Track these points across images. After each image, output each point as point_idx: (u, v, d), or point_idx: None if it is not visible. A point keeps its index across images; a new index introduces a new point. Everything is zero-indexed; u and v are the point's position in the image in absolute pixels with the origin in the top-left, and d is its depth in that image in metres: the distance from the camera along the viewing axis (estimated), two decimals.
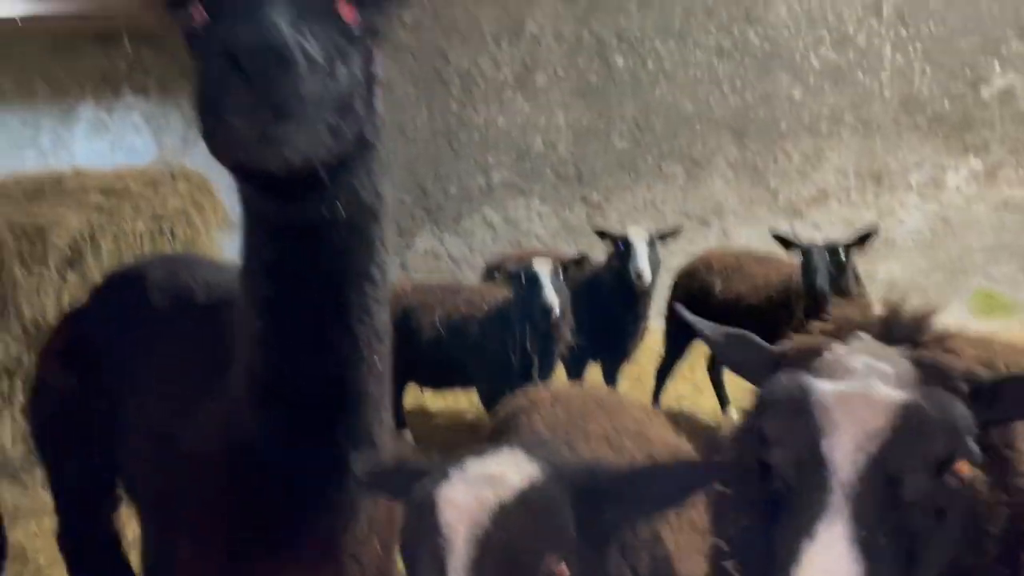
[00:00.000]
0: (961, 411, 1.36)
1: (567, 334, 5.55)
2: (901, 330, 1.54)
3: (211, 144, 1.56)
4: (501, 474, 1.51)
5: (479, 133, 9.90)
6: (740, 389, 6.81)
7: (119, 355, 2.59)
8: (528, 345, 5.39)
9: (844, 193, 9.09)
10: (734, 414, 6.17)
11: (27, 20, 7.74)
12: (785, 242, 5.36)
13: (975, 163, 8.81)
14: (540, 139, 9.75)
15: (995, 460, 1.38)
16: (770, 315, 5.35)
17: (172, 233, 6.51)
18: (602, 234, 6.04)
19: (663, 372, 6.40)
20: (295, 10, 1.48)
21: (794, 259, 5.36)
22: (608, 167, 9.59)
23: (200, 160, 9.72)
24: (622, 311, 5.78)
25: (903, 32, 8.82)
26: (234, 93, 1.40)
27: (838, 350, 1.50)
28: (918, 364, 1.43)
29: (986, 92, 8.69)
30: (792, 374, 1.50)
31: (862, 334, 1.54)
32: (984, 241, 8.89)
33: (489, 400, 5.50)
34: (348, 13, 1.60)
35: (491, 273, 6.42)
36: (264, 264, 1.83)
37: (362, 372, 1.92)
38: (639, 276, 5.50)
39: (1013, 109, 8.64)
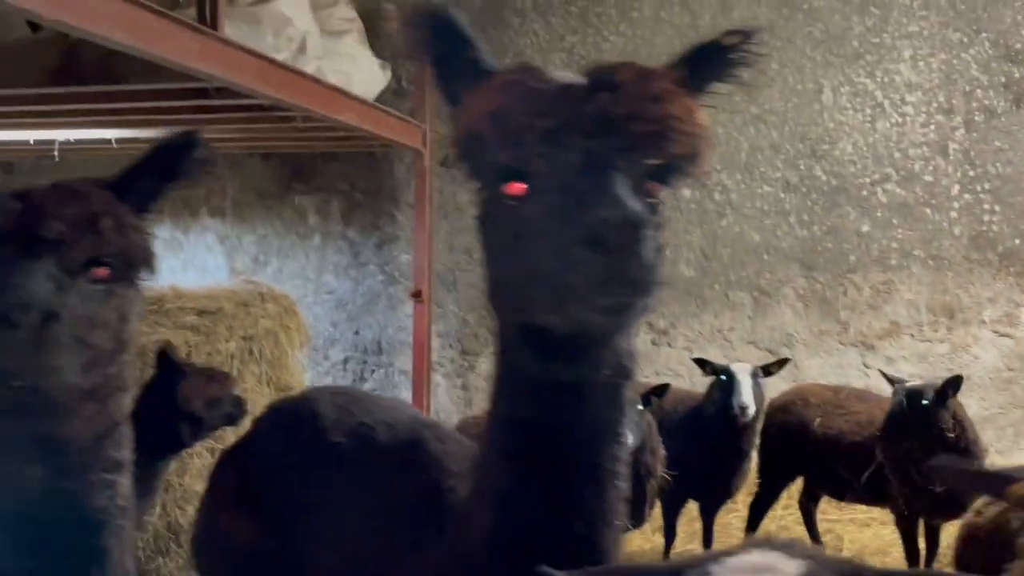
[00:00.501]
0: None
1: (657, 469, 5.42)
2: None
3: (537, 309, 1.62)
4: (771, 565, 1.45)
5: None
6: (828, 527, 6.53)
7: (294, 494, 2.55)
8: None
9: (917, 327, 9.03)
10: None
11: (121, 142, 8.10)
12: (701, 363, 5.48)
13: None
14: None
15: None
16: (874, 456, 5.23)
17: (260, 353, 6.55)
18: (702, 363, 5.98)
19: (758, 508, 6.21)
20: (631, 185, 1.53)
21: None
22: (674, 294, 9.63)
23: (269, 280, 9.92)
24: (723, 449, 5.67)
25: (970, 172, 8.98)
26: (589, 266, 1.46)
27: None
28: None
29: None
30: None
31: None
32: None
33: None
34: (654, 189, 1.66)
35: None
36: (522, 420, 1.83)
37: (609, 532, 1.87)
38: (743, 409, 5.43)
39: None
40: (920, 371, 8.97)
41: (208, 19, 5.34)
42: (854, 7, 9.33)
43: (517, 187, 1.61)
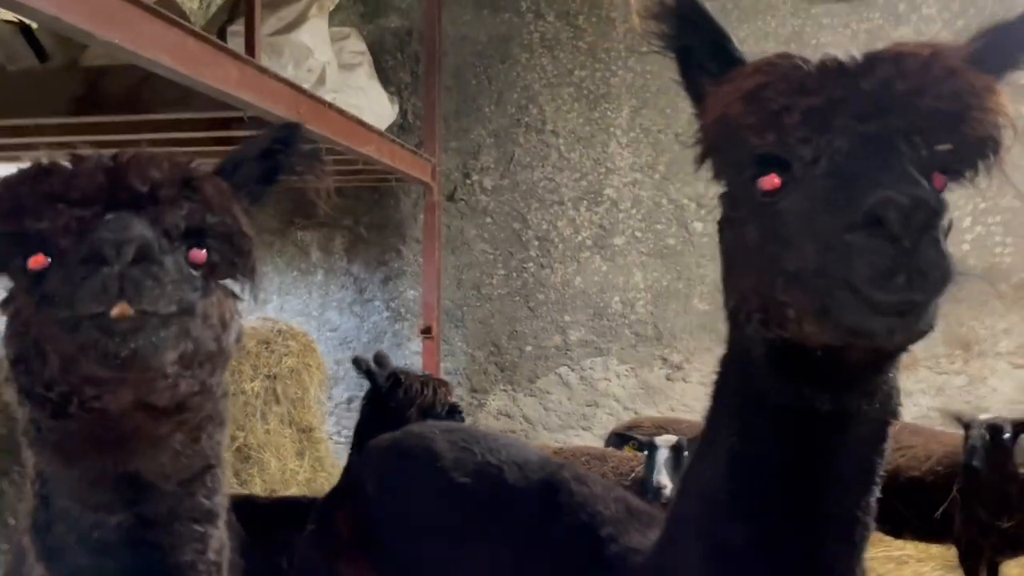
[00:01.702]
0: None
1: None
2: None
3: (797, 320, 1.39)
4: None
5: (556, 292, 9.92)
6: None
7: (424, 541, 2.34)
8: None
9: (934, 359, 9.01)
10: None
11: None
12: (959, 420, 5.21)
13: None
14: (618, 298, 9.76)
15: None
16: (934, 491, 5.11)
17: (284, 393, 6.31)
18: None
19: None
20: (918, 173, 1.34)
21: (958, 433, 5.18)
22: (688, 328, 9.54)
23: (274, 315, 9.64)
24: None
25: (981, 204, 9.04)
26: (871, 256, 1.24)
27: None
28: None
29: None
30: None
31: None
32: None
33: None
34: (942, 183, 1.43)
35: (619, 440, 6.14)
36: (760, 460, 1.60)
37: None
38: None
39: None
40: (938, 404, 8.92)
41: (246, 47, 5.21)
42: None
43: (773, 180, 1.40)
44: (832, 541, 1.57)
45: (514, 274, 10.03)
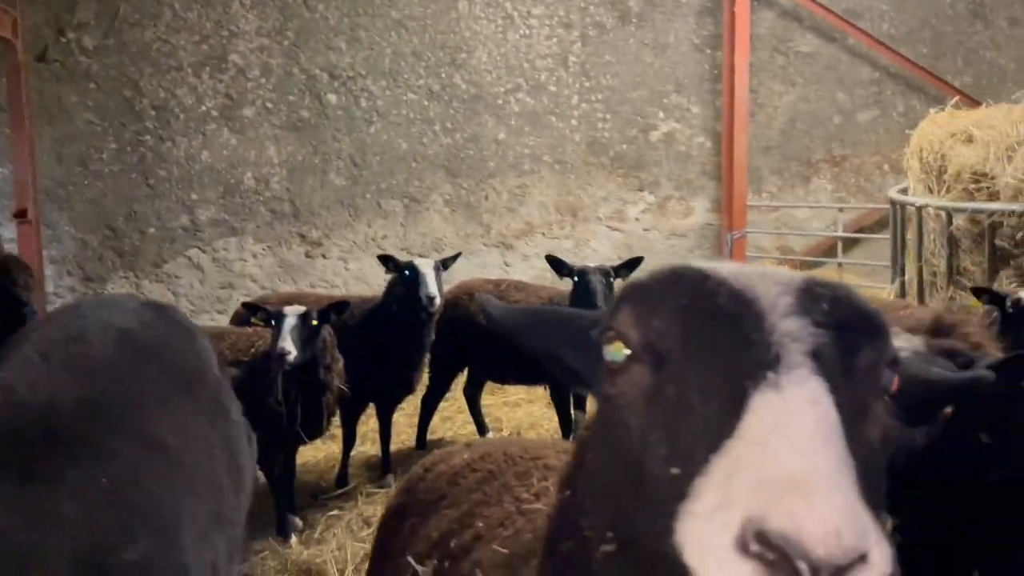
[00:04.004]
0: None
1: (334, 382, 5.36)
2: (941, 329, 1.90)
3: None
4: None
5: (180, 168, 9.14)
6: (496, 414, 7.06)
7: None
8: (285, 395, 5.11)
9: (547, 226, 9.96)
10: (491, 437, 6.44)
11: None
12: (557, 264, 5.79)
13: (649, 197, 10.21)
14: (251, 174, 9.29)
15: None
16: None
17: None
18: (386, 260, 5.92)
19: (430, 401, 6.48)
20: None
21: (563, 284, 5.79)
22: (326, 204, 9.43)
23: None
24: (406, 344, 5.75)
25: (586, 83, 9.96)
26: None
27: None
28: (931, 346, 1.84)
29: (654, 136, 10.14)
30: None
31: (898, 329, 1.86)
32: (659, 263, 10.32)
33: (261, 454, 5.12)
34: None
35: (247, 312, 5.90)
36: None
37: None
38: (431, 300, 5.53)
39: (674, 151, 10.19)
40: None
41: None
42: None
43: None
44: None
45: (128, 148, 9.01)
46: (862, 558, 0.81)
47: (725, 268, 1.11)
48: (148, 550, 2.15)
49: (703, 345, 1.01)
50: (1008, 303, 4.60)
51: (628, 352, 1.07)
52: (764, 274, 1.09)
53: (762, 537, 0.81)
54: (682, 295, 1.07)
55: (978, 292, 5.02)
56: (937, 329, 1.96)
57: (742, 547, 0.82)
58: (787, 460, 0.85)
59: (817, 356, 0.97)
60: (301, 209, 9.41)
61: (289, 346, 4.99)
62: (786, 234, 10.46)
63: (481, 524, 1.79)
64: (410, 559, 1.86)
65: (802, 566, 0.80)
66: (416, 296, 5.53)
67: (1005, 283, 6.07)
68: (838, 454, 0.88)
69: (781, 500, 0.81)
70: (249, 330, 5.38)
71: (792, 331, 0.99)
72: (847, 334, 1.02)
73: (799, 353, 0.97)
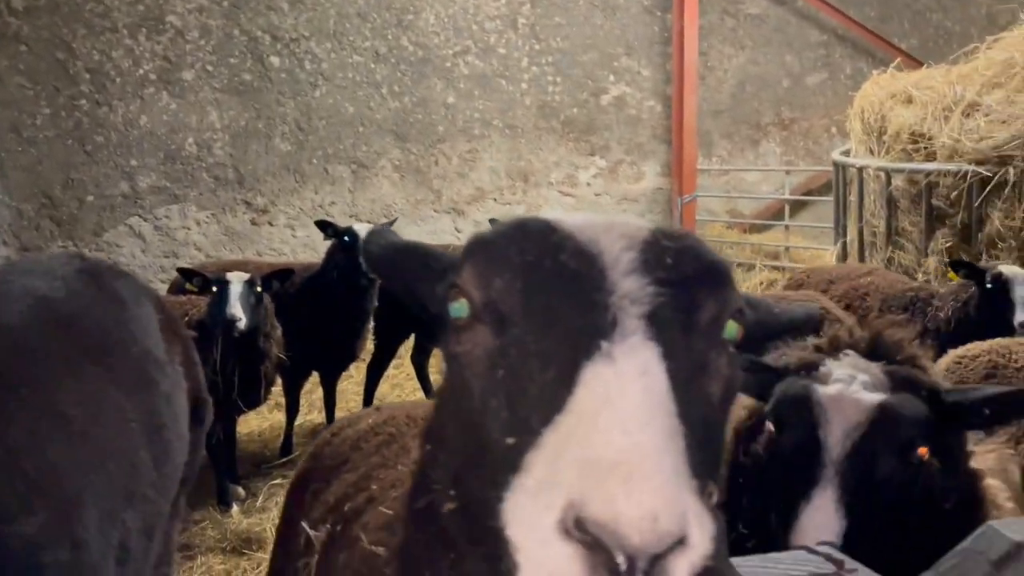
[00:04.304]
0: (923, 410, 1.81)
1: (273, 350, 5.29)
2: (883, 349, 1.95)
3: None
4: None
5: (118, 134, 8.86)
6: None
7: None
8: (223, 362, 5.04)
9: (498, 191, 9.89)
10: None
11: None
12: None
13: (600, 162, 10.18)
14: (192, 139, 9.05)
15: (948, 453, 1.83)
16: None
17: None
18: (325, 226, 5.82)
19: (376, 369, 6.43)
20: None
21: None
22: (272, 170, 9.24)
23: None
24: (347, 311, 5.68)
25: (536, 46, 9.84)
26: None
27: (831, 363, 1.92)
28: (891, 375, 1.87)
29: (604, 100, 10.08)
30: (797, 380, 1.90)
31: (849, 351, 1.94)
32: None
33: None
34: None
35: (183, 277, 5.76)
36: None
37: None
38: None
39: (625, 115, 10.15)
40: None
41: None
42: None
43: None
44: None
45: (63, 113, 8.70)
46: (681, 541, 0.81)
47: (573, 220, 1.07)
48: (44, 523, 2.09)
49: (542, 307, 0.98)
50: (988, 278, 4.50)
51: (470, 310, 1.03)
52: (611, 227, 1.06)
53: (580, 523, 0.80)
54: (525, 251, 1.02)
55: (956, 266, 4.90)
56: (877, 349, 1.95)
57: (563, 530, 0.81)
58: (610, 440, 0.84)
59: (654, 318, 0.96)
60: (245, 175, 9.21)
61: (239, 312, 4.92)
62: (735, 198, 10.52)
63: (375, 487, 1.76)
64: (304, 524, 1.83)
65: (619, 557, 0.79)
66: (356, 262, 5.45)
67: (941, 243, 6.17)
68: (664, 430, 0.87)
69: (601, 484, 0.80)
70: (183, 298, 5.27)
71: (631, 292, 0.98)
72: (690, 289, 1.01)
73: (635, 317, 0.96)
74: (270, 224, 9.25)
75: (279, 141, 9.25)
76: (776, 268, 8.89)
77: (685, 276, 1.02)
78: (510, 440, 0.92)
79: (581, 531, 0.80)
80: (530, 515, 0.84)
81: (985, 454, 2.14)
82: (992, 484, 2.02)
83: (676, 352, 0.95)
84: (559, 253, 1.01)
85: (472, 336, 1.03)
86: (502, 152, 9.85)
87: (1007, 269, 4.60)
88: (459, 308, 1.04)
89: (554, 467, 0.85)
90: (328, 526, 1.79)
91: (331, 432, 2.18)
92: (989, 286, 4.48)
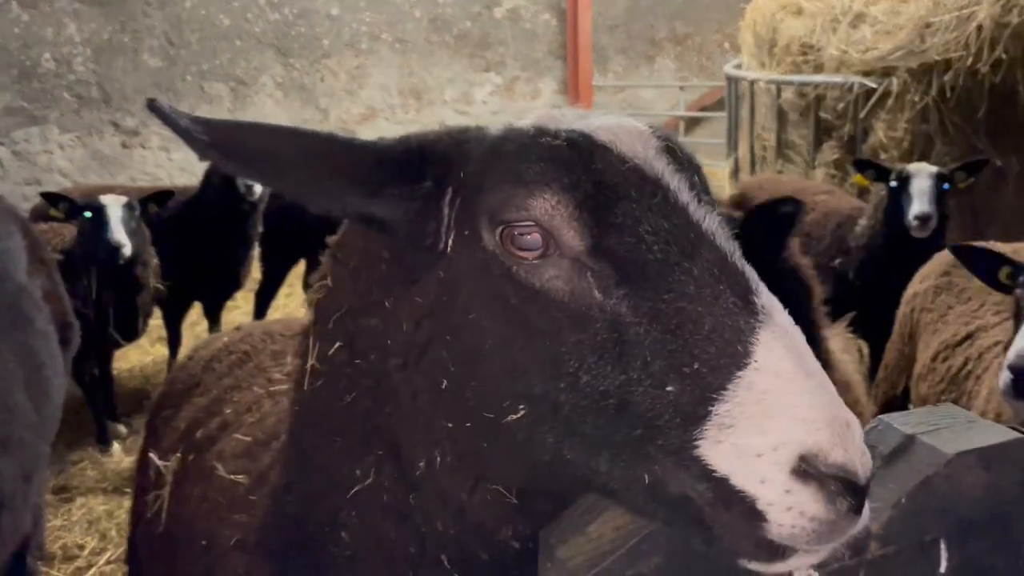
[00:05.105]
0: None
1: (149, 280, 4.97)
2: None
3: None
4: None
5: None
6: None
7: None
8: (97, 294, 4.70)
9: (390, 110, 9.50)
10: None
11: None
12: None
13: (495, 79, 9.90)
14: (49, 55, 8.25)
15: None
16: None
17: None
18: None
19: (264, 296, 6.16)
20: None
21: None
22: (141, 88, 8.56)
23: None
24: (230, 238, 5.34)
25: None
26: None
27: None
28: None
29: (498, 13, 9.74)
30: None
31: None
32: None
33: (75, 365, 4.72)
34: None
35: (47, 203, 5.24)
36: None
37: None
38: (250, 188, 5.13)
39: (520, 29, 9.85)
40: None
41: None
42: None
43: None
44: None
45: None
46: None
47: (615, 138, 1.06)
48: None
49: (661, 255, 0.98)
50: (892, 176, 4.35)
51: (546, 246, 0.99)
52: (642, 137, 1.08)
53: (818, 468, 0.90)
54: (612, 184, 1.01)
55: (860, 165, 4.73)
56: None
57: (800, 474, 0.90)
58: (816, 397, 0.92)
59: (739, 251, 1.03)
60: (112, 94, 8.50)
61: (124, 238, 4.58)
62: (631, 115, 10.44)
63: (229, 411, 1.59)
64: (151, 455, 1.64)
65: (861, 481, 0.90)
66: (235, 186, 5.11)
67: (828, 154, 6.27)
68: (823, 373, 0.96)
69: (833, 436, 0.90)
70: (44, 226, 4.82)
71: (712, 229, 1.01)
72: (713, 203, 1.09)
73: (741, 259, 1.01)
74: (142, 147, 8.63)
75: (148, 56, 8.56)
76: None
77: (707, 189, 1.09)
78: (671, 388, 0.94)
79: (817, 473, 0.89)
80: (765, 468, 0.90)
81: (834, 337, 2.25)
82: (844, 359, 2.24)
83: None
84: (641, 185, 1.01)
85: (555, 272, 0.99)
86: (392, 68, 9.43)
87: (912, 166, 4.47)
88: (532, 241, 0.99)
89: (768, 424, 0.91)
90: (179, 455, 1.61)
91: (188, 355, 1.99)
92: (894, 184, 4.35)
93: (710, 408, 0.91)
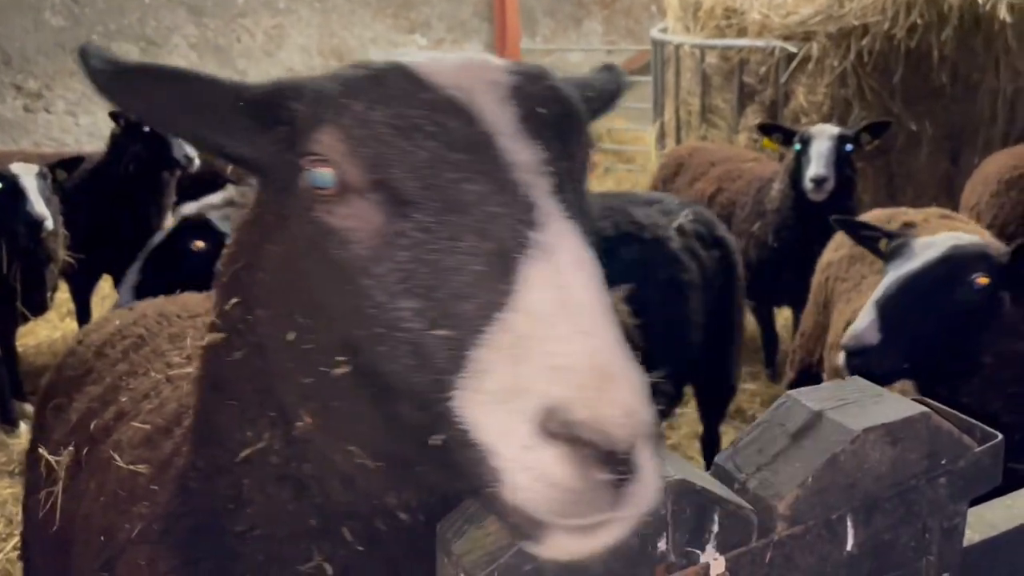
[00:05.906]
0: None
1: (59, 251, 4.76)
2: None
3: None
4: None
5: None
6: None
7: None
8: (7, 267, 4.49)
9: (310, 72, 9.19)
10: None
11: None
12: None
13: (421, 40, 9.69)
14: None
15: None
16: None
17: None
18: (118, 116, 5.17)
19: None
20: None
21: None
22: (44, 49, 8.09)
23: None
24: (141, 206, 5.13)
25: None
26: None
27: None
28: None
29: None
30: None
31: None
32: None
33: None
34: None
35: None
36: None
37: None
38: (189, 160, 5.01)
39: None
40: None
41: None
42: None
43: None
44: None
45: None
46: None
47: (425, 65, 1.00)
48: None
49: (447, 186, 0.91)
50: (795, 139, 4.38)
51: (338, 181, 0.95)
52: (471, 70, 1.00)
53: (565, 425, 0.80)
54: (402, 114, 0.95)
55: (765, 129, 4.76)
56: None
57: (545, 433, 0.81)
58: (575, 345, 0.83)
59: (558, 191, 0.94)
60: (12, 55, 8.01)
61: (45, 211, 4.38)
62: None
63: (125, 399, 1.50)
64: (41, 450, 1.55)
65: (614, 447, 0.80)
66: (156, 152, 4.91)
67: (751, 119, 6.34)
68: (613, 323, 0.87)
69: (582, 390, 0.81)
70: None
71: (529, 163, 0.93)
72: (566, 143, 0.99)
73: (548, 195, 0.93)
74: (47, 111, 8.18)
75: (50, 15, 8.09)
76: (599, 151, 8.93)
77: (559, 129, 0.99)
78: (441, 332, 0.88)
79: (565, 432, 0.80)
80: (504, 421, 0.82)
81: None
82: None
83: (582, 224, 0.93)
84: (440, 115, 0.94)
85: (347, 210, 0.95)
86: (312, 28, 9.13)
87: (815, 128, 4.51)
88: (323, 177, 0.95)
89: (519, 371, 0.83)
90: (72, 448, 1.52)
91: (77, 339, 1.88)
92: (797, 147, 4.40)
93: (466, 353, 0.85)
